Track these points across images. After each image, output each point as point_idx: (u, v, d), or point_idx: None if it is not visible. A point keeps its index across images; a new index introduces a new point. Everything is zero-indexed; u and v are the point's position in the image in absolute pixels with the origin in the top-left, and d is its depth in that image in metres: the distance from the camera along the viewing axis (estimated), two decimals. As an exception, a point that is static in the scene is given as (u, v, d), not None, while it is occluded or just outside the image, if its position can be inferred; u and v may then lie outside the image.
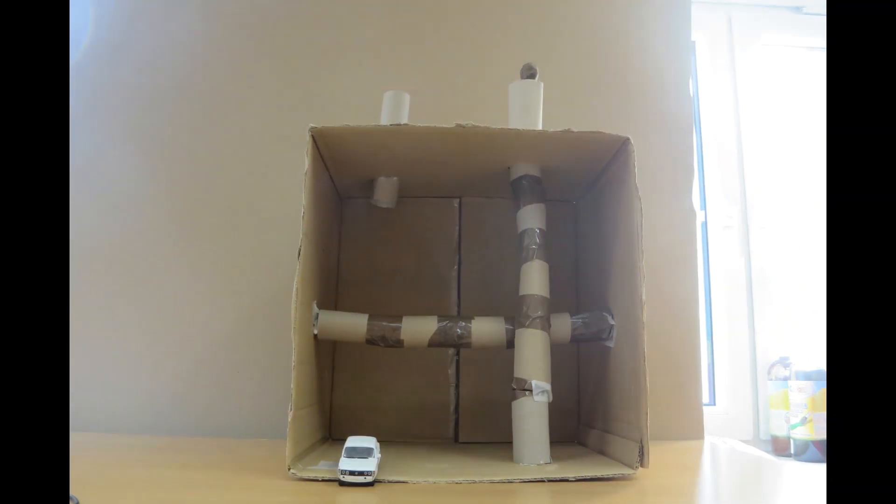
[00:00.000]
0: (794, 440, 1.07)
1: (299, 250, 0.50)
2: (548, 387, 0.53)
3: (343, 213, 0.72)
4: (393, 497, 0.40)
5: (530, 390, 0.52)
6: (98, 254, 0.80)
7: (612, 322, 0.56)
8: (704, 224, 1.22)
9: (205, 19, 0.86)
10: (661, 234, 0.80)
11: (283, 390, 0.76)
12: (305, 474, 0.45)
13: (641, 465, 0.46)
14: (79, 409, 0.73)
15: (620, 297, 0.55)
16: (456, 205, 0.73)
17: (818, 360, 1.08)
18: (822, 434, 1.03)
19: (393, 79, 0.83)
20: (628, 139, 0.52)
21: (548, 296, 0.55)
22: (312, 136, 0.52)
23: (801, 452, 1.06)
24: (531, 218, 0.57)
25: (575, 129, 0.52)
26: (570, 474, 0.45)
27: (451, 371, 0.70)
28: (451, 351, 0.70)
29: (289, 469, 0.45)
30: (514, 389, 0.53)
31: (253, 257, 0.80)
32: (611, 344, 0.56)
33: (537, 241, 0.56)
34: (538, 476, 0.46)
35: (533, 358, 0.53)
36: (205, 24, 0.86)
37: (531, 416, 0.52)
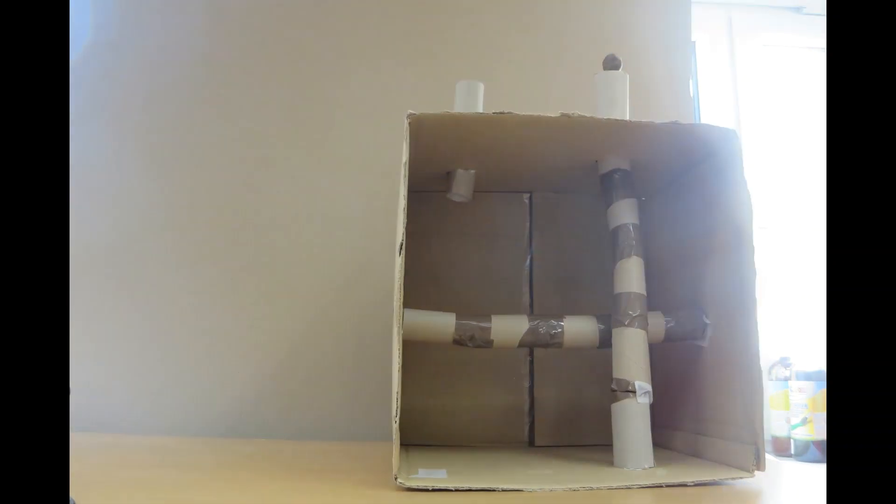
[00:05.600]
0: (795, 440, 1.07)
1: (400, 245, 0.46)
2: (650, 388, 0.51)
3: (410, 208, 0.69)
4: None
5: (633, 391, 0.50)
6: (98, 254, 0.80)
7: (707, 321, 0.54)
8: (704, 224, 1.22)
9: (205, 19, 0.86)
10: (662, 234, 0.80)
11: (282, 389, 0.76)
12: (415, 483, 0.42)
13: (758, 469, 0.45)
14: (79, 409, 0.73)
15: (722, 295, 0.52)
16: (526, 200, 0.70)
17: (818, 360, 1.08)
18: (822, 434, 1.03)
19: (393, 78, 0.83)
20: (734, 131, 0.50)
21: (645, 294, 0.53)
22: (409, 124, 0.49)
23: (802, 453, 1.06)
24: (625, 213, 0.55)
25: (682, 122, 0.50)
26: (687, 478, 0.44)
27: (525, 372, 0.67)
28: (525, 351, 0.67)
29: (395, 478, 0.42)
30: (615, 391, 0.51)
31: (253, 257, 0.80)
32: (704, 343, 0.54)
33: (633, 237, 0.54)
34: (654, 481, 0.44)
35: (634, 358, 0.51)
36: (205, 23, 0.86)
37: (635, 419, 0.50)
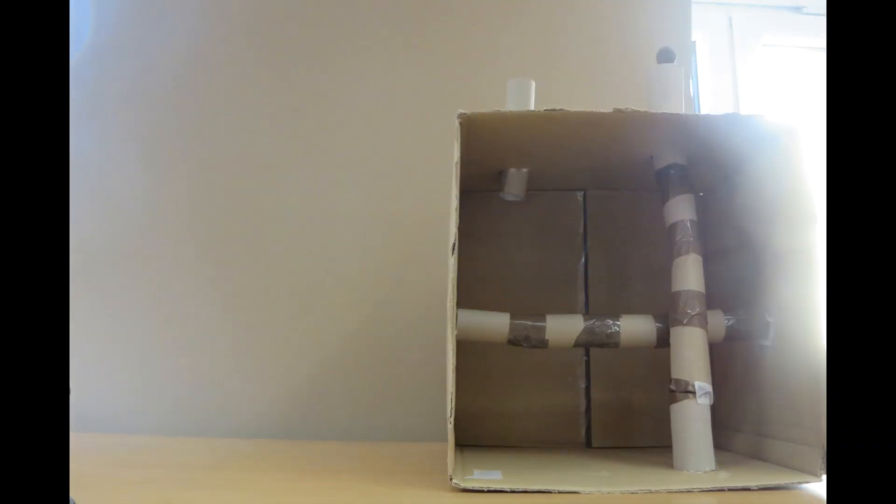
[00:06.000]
0: (795, 440, 1.07)
1: (453, 245, 0.46)
2: (710, 388, 0.50)
3: (462, 208, 0.69)
4: None
5: (693, 392, 0.49)
6: (98, 253, 0.80)
7: (770, 319, 0.52)
8: (705, 224, 1.22)
9: (205, 19, 0.86)
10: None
11: (284, 389, 0.76)
12: (470, 485, 0.42)
13: (825, 472, 0.43)
14: (79, 409, 0.73)
15: (786, 294, 0.51)
16: (580, 198, 0.69)
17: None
18: (822, 434, 1.03)
19: (393, 78, 0.83)
20: (797, 125, 0.49)
21: (704, 291, 0.52)
22: (460, 124, 0.49)
23: (802, 452, 1.06)
24: (682, 209, 0.54)
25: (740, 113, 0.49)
26: (750, 482, 0.42)
27: (581, 372, 0.66)
28: (581, 351, 0.66)
29: (451, 479, 0.42)
30: (674, 391, 0.50)
31: (253, 257, 0.80)
32: (767, 342, 0.53)
33: (690, 233, 0.53)
34: (716, 485, 0.43)
35: (694, 357, 0.50)
36: (205, 23, 0.86)
37: (695, 420, 0.49)
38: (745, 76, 1.27)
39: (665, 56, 0.56)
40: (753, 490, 0.42)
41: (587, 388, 0.66)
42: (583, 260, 0.68)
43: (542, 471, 0.49)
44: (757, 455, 0.54)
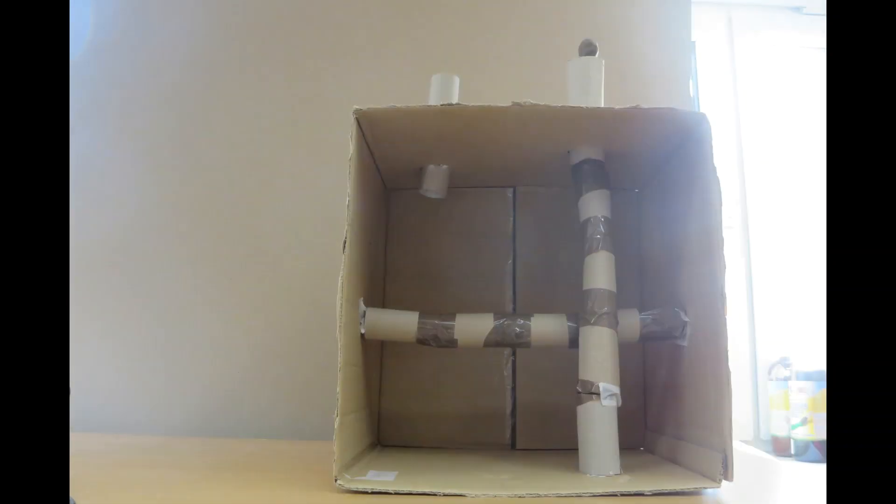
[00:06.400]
0: (795, 440, 1.07)
1: (344, 243, 0.46)
2: (617, 390, 0.48)
3: (390, 206, 0.68)
4: None
5: (598, 394, 0.48)
6: (98, 253, 0.80)
7: (686, 319, 0.51)
8: (704, 224, 1.22)
9: (205, 19, 0.86)
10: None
11: (283, 390, 0.76)
12: (354, 486, 0.42)
13: (725, 478, 0.42)
14: (79, 409, 0.73)
15: (696, 292, 0.50)
16: (510, 195, 0.68)
17: (818, 360, 1.08)
18: (822, 434, 1.03)
19: (396, 77, 0.83)
20: (705, 116, 0.48)
21: (615, 290, 0.51)
22: (357, 120, 0.49)
23: (802, 453, 1.06)
24: (595, 205, 0.52)
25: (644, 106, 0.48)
26: (646, 487, 0.41)
27: (507, 373, 0.65)
28: (507, 352, 0.66)
29: (335, 480, 0.42)
30: (580, 393, 0.49)
31: (253, 257, 0.80)
32: (684, 343, 0.51)
33: (602, 230, 0.52)
34: (609, 489, 0.41)
35: (600, 358, 0.49)
36: (205, 23, 0.86)
37: (599, 423, 0.48)
38: (744, 76, 1.27)
39: (587, 48, 0.55)
40: (647, 495, 0.41)
41: (513, 390, 0.65)
42: (512, 258, 0.67)
43: (441, 473, 0.48)
44: (674, 459, 0.52)
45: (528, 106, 0.47)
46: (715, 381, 0.44)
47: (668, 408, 0.57)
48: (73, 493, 0.35)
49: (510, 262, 0.67)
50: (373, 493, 0.41)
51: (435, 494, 0.40)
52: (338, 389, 0.44)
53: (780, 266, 1.22)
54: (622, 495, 0.41)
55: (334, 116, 0.82)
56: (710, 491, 0.42)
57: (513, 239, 0.67)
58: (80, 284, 0.78)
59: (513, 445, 0.64)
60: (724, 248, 0.44)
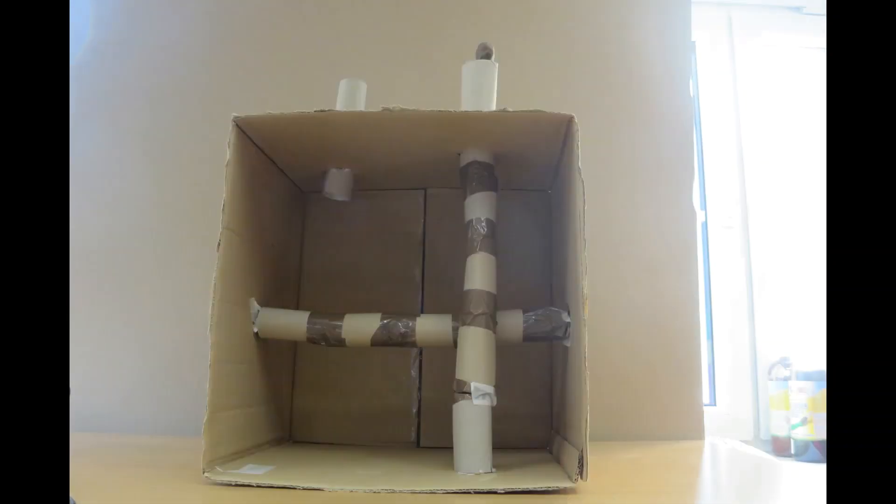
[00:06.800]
0: (795, 440, 1.07)
1: (219, 244, 0.48)
2: (490, 389, 0.49)
3: (306, 208, 0.70)
4: None
5: (469, 393, 0.48)
6: (98, 254, 0.80)
7: (568, 320, 0.51)
8: (704, 224, 1.22)
9: (205, 19, 0.86)
10: (662, 234, 0.80)
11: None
12: (219, 479, 0.43)
13: (581, 478, 0.42)
14: (79, 409, 0.73)
15: (571, 292, 0.51)
16: (421, 197, 0.69)
17: (818, 360, 1.08)
18: (822, 434, 1.03)
19: (397, 78, 0.83)
20: (572, 118, 0.48)
21: (493, 291, 0.51)
22: (238, 126, 0.51)
23: (802, 453, 1.06)
24: (477, 207, 0.53)
25: (511, 109, 0.48)
26: (502, 486, 0.42)
27: (415, 373, 0.66)
28: (415, 351, 0.67)
29: (203, 472, 0.44)
30: (455, 392, 0.49)
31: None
32: (567, 343, 0.52)
33: (481, 231, 0.52)
34: (465, 487, 0.42)
35: (474, 358, 0.49)
36: (205, 23, 0.86)
37: (470, 422, 0.48)
38: (744, 76, 1.27)
39: (483, 52, 0.55)
40: (500, 493, 0.41)
41: (419, 389, 0.66)
42: (421, 259, 0.68)
43: (318, 468, 0.50)
44: (558, 458, 0.53)
45: (398, 111, 0.48)
46: (575, 382, 0.45)
47: (559, 408, 0.58)
48: (73, 493, 0.35)
49: (420, 263, 0.69)
50: (237, 485, 0.42)
51: (294, 488, 0.42)
52: (207, 387, 0.46)
53: (780, 266, 1.22)
54: (476, 492, 0.42)
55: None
56: (709, 490, 0.42)
57: (423, 240, 0.69)
58: (80, 284, 0.78)
59: (418, 443, 0.65)
60: (585, 251, 0.45)
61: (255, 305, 0.55)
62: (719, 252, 1.21)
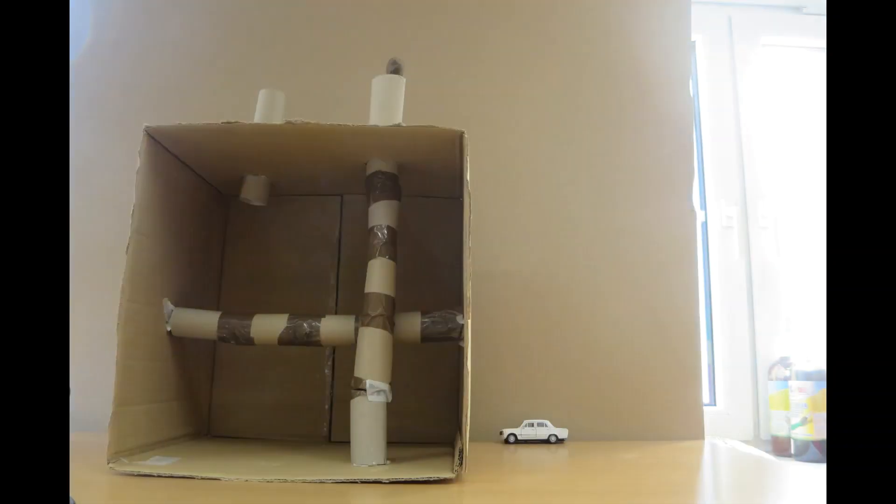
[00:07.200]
0: (795, 440, 1.07)
1: (127, 247, 0.51)
2: (385, 387, 0.52)
3: (228, 213, 0.72)
4: (191, 492, 0.41)
5: (364, 390, 0.51)
6: (98, 253, 0.80)
7: (461, 321, 0.54)
8: (704, 224, 1.22)
9: (205, 19, 0.86)
10: (661, 234, 0.80)
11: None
12: (123, 469, 0.46)
13: (461, 470, 0.45)
14: (79, 409, 0.73)
15: (460, 297, 0.54)
16: (338, 203, 0.73)
17: (818, 360, 1.08)
18: (822, 434, 1.03)
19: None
20: (462, 133, 0.51)
21: (391, 294, 0.54)
22: (150, 135, 0.53)
23: (802, 453, 1.06)
24: (379, 215, 0.57)
25: (405, 124, 0.51)
26: (388, 476, 0.45)
27: (328, 370, 0.70)
28: (329, 351, 0.70)
29: (108, 463, 0.46)
30: (352, 389, 0.52)
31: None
32: (462, 343, 0.54)
33: (382, 238, 0.56)
34: (354, 477, 0.45)
35: (370, 357, 0.52)
36: (205, 23, 0.86)
37: (365, 417, 0.51)
38: (744, 76, 1.27)
39: (392, 67, 0.58)
40: (384, 483, 0.44)
41: (332, 386, 0.69)
42: (336, 263, 0.72)
43: (222, 459, 0.52)
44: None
45: (299, 124, 0.51)
46: (461, 381, 0.48)
47: (458, 405, 0.61)
48: (73, 493, 0.35)
49: (336, 266, 0.72)
50: (139, 475, 0.45)
51: (193, 478, 0.44)
52: (114, 383, 0.48)
53: (780, 266, 1.22)
54: (361, 482, 0.44)
55: (337, 117, 0.82)
56: (709, 490, 0.43)
57: (339, 245, 0.72)
58: (80, 284, 0.78)
59: (329, 438, 0.68)
60: (470, 258, 0.48)
61: (168, 305, 0.58)
62: (719, 252, 1.21)
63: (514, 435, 0.70)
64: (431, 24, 0.86)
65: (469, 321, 0.49)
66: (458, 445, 0.52)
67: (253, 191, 0.65)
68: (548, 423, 0.70)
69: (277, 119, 0.59)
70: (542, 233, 0.80)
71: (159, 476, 0.45)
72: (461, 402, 0.49)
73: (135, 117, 0.84)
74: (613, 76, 0.84)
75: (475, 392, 0.71)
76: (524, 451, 0.64)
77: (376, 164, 0.58)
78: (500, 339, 0.77)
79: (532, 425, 0.70)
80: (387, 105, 0.56)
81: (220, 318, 0.58)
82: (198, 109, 0.83)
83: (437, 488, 0.43)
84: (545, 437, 0.70)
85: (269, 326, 0.57)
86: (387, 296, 0.54)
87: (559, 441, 0.70)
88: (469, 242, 0.49)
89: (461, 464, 0.46)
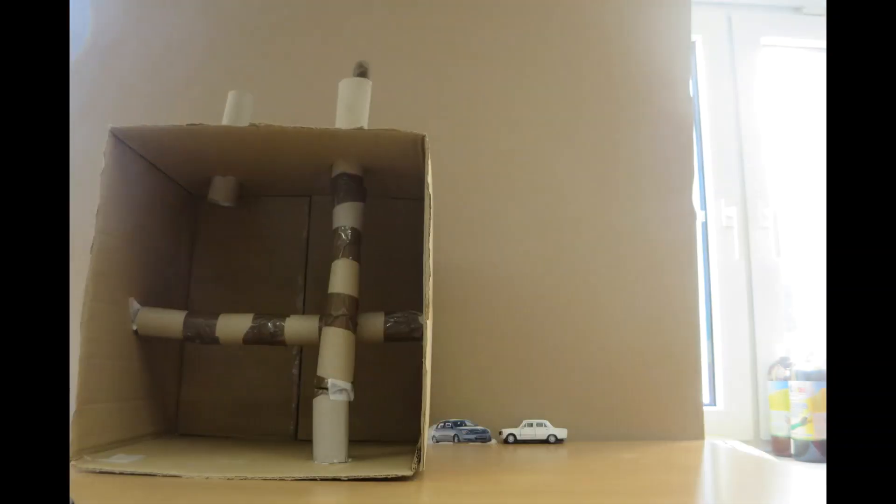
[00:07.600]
0: (795, 440, 1.07)
1: (92, 246, 0.51)
2: (347, 386, 0.52)
3: (198, 213, 0.72)
4: (152, 490, 0.42)
5: (326, 388, 0.52)
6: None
7: (422, 322, 0.55)
8: (704, 224, 1.22)
9: (205, 19, 0.86)
10: (661, 234, 0.80)
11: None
12: (85, 467, 0.46)
13: (418, 468, 0.46)
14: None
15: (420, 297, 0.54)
16: (306, 204, 0.73)
17: (818, 360, 1.08)
18: (822, 434, 1.03)
19: (399, 82, 0.83)
20: (424, 137, 0.52)
21: (355, 294, 0.55)
22: (115, 136, 0.53)
23: (802, 453, 1.06)
24: (343, 216, 0.57)
25: (367, 127, 0.51)
26: (347, 474, 0.45)
27: (295, 370, 0.70)
28: (296, 350, 0.70)
29: (70, 460, 0.46)
30: (315, 388, 0.53)
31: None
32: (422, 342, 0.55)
33: (345, 238, 0.56)
34: (313, 474, 0.46)
35: (332, 356, 0.53)
36: (205, 23, 0.86)
37: (327, 415, 0.52)
38: (744, 76, 1.27)
39: (359, 70, 0.59)
40: (343, 480, 0.45)
41: (299, 385, 0.69)
42: (304, 263, 0.72)
43: (185, 457, 0.53)
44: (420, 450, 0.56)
45: (264, 127, 0.52)
46: (422, 381, 0.49)
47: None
48: (73, 493, 0.35)
49: (303, 267, 0.72)
50: (101, 473, 0.45)
51: (154, 475, 0.45)
52: (76, 381, 0.48)
53: (780, 266, 1.22)
54: (321, 479, 0.45)
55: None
56: (709, 490, 0.43)
57: (307, 246, 0.72)
58: (80, 284, 0.78)
59: (296, 436, 0.68)
60: (430, 259, 0.49)
61: (134, 304, 0.57)
62: (719, 252, 1.21)
63: (514, 435, 0.70)
64: (431, 25, 0.85)
65: (429, 321, 0.49)
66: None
67: (221, 191, 0.65)
68: (547, 423, 0.70)
69: (244, 121, 0.59)
70: (542, 233, 0.80)
71: (121, 473, 0.45)
72: (422, 401, 0.50)
73: (135, 117, 0.84)
74: (614, 76, 0.84)
75: (473, 393, 0.73)
76: (523, 451, 0.64)
77: (341, 167, 0.59)
78: (499, 340, 0.77)
79: (531, 425, 0.70)
80: (353, 108, 0.57)
81: (186, 317, 0.58)
82: (198, 110, 0.83)
83: (395, 486, 0.44)
84: (544, 438, 0.70)
85: (233, 326, 0.57)
86: (350, 296, 0.55)
87: (558, 441, 0.70)
88: (430, 244, 0.50)
89: (419, 462, 0.46)
